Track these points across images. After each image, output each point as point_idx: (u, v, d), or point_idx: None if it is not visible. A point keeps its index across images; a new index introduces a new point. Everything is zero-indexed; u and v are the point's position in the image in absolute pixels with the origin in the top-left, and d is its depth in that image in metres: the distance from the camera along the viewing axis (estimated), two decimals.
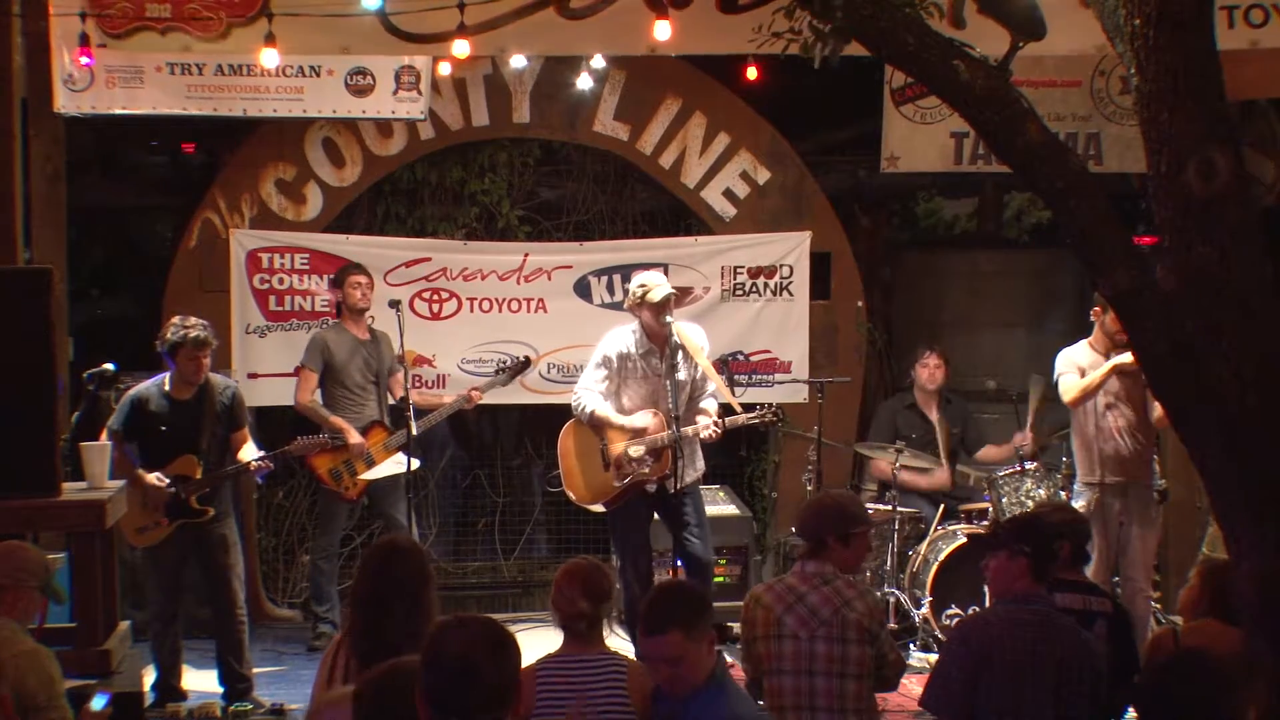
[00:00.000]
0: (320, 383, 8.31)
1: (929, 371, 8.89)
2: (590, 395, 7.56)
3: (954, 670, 4.89)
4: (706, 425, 7.50)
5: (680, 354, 7.51)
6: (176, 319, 7.22)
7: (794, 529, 7.77)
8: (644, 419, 7.48)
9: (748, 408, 7.75)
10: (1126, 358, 7.27)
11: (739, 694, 4.35)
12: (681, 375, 7.50)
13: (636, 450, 7.49)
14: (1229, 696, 3.55)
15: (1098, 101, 9.18)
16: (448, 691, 3.19)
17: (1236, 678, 3.59)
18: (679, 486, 7.38)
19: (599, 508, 7.77)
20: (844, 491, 7.93)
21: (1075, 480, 7.68)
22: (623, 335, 7.61)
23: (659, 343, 7.53)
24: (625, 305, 7.68)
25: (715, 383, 7.67)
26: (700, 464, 7.71)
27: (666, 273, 9.03)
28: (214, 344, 7.22)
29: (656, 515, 7.72)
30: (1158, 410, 7.01)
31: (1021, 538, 5.04)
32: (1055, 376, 7.66)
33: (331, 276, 8.61)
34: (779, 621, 5.08)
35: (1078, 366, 7.58)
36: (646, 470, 7.50)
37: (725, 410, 7.64)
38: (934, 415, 8.91)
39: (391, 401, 8.40)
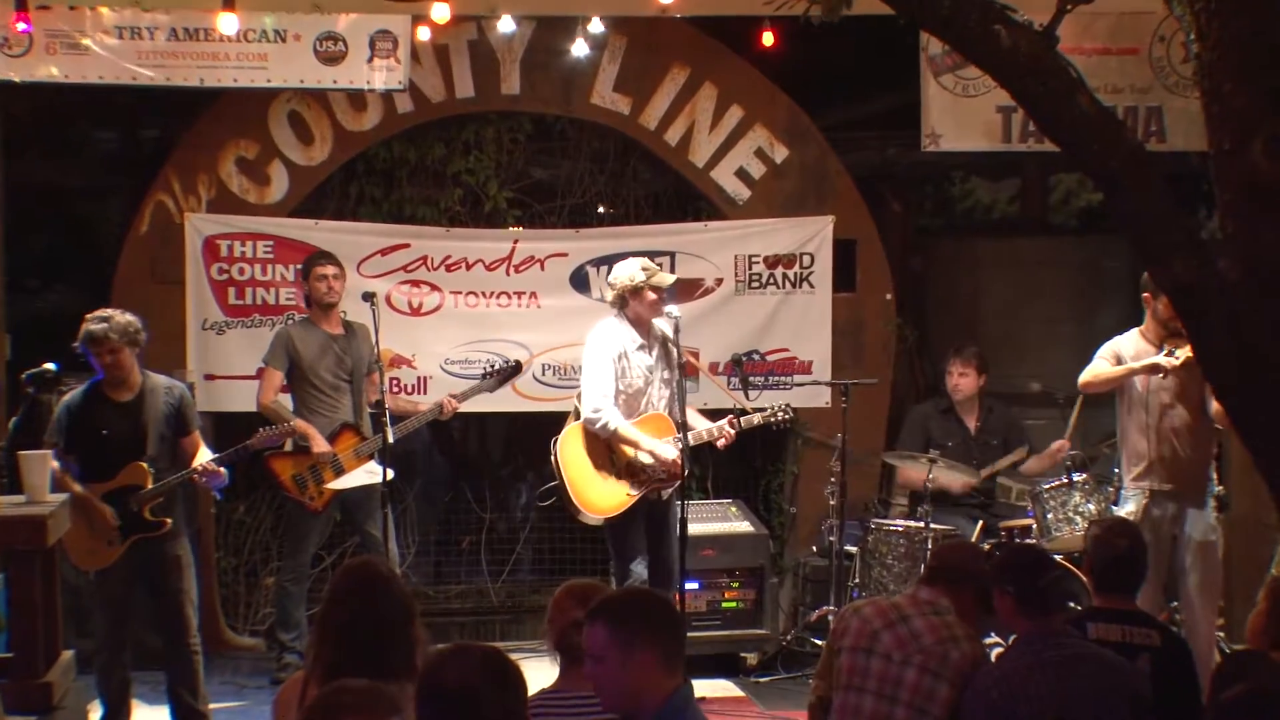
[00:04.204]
0: (289, 384, 8.30)
1: (953, 380, 8.88)
2: (612, 410, 7.62)
3: None
4: (720, 426, 7.66)
5: (669, 348, 7.66)
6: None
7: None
8: (668, 450, 7.59)
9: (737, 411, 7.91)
10: (1158, 359, 7.33)
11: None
12: (669, 373, 7.68)
13: (647, 457, 7.62)
14: None
15: (1158, 71, 9.17)
16: None
17: None
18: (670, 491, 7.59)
19: (596, 519, 7.82)
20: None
21: (1123, 484, 7.69)
22: (616, 329, 7.70)
23: (644, 337, 7.69)
24: (616, 292, 7.72)
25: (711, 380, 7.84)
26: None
27: (673, 261, 9.11)
28: (117, 339, 7.01)
29: None
30: (1216, 404, 6.99)
31: (1001, 574, 5.04)
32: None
33: (299, 267, 8.61)
34: (874, 635, 5.05)
35: (1116, 354, 7.60)
36: (663, 477, 7.65)
37: (728, 412, 7.83)
38: (973, 425, 8.91)
39: (371, 405, 8.39)
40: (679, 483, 7.51)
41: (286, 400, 8.32)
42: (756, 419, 7.88)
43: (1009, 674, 4.89)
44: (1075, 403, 8.44)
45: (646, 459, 7.60)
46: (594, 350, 7.72)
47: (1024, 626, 4.97)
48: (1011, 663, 4.93)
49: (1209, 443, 7.59)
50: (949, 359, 8.96)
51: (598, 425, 7.63)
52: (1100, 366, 7.61)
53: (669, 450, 7.59)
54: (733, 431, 7.81)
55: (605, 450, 7.70)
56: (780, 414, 7.97)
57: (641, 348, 7.68)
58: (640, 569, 7.76)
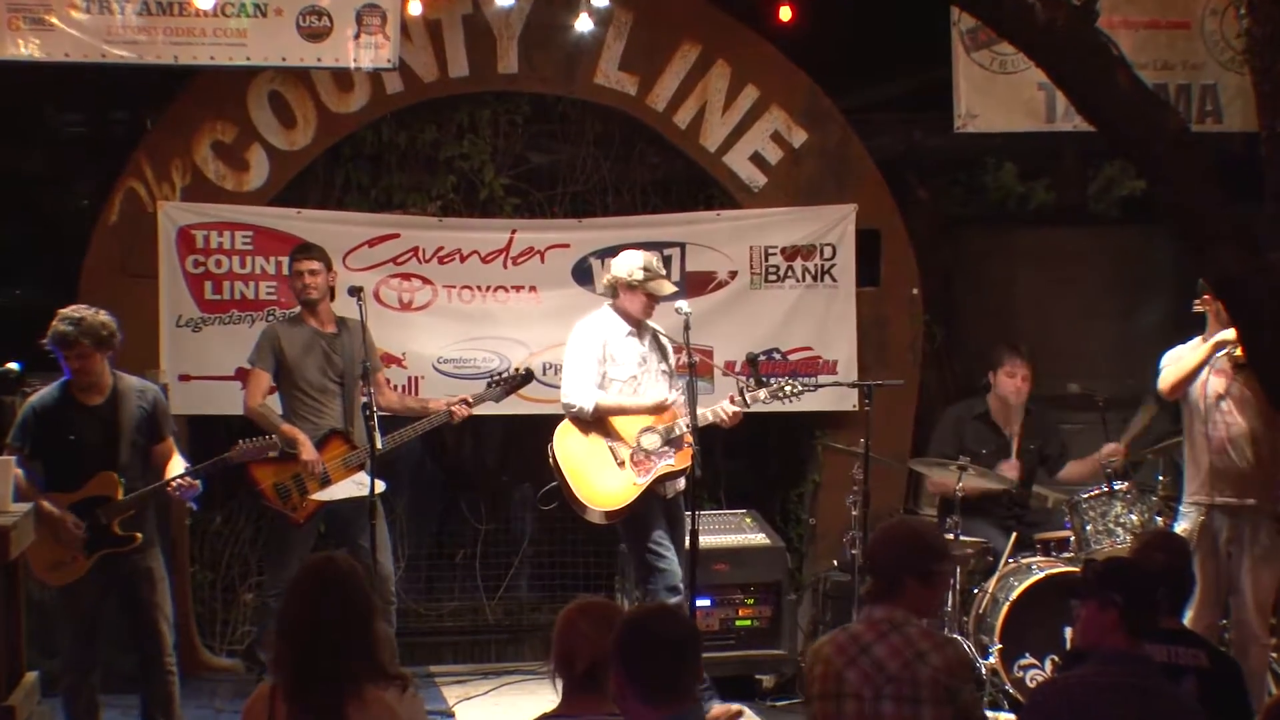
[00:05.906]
0: (276, 385, 8.26)
1: (1016, 384, 8.74)
2: (587, 391, 7.78)
3: None
4: (723, 405, 7.87)
5: (660, 340, 7.99)
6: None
7: (859, 564, 7.87)
8: (658, 393, 7.85)
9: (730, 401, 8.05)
10: (1228, 334, 7.26)
11: None
12: (665, 364, 7.99)
13: (650, 441, 7.77)
14: None
15: (1211, 47, 9.15)
16: None
17: None
18: (685, 487, 7.73)
19: (601, 518, 7.87)
20: (920, 519, 7.93)
21: (1182, 499, 7.68)
22: (600, 320, 7.92)
23: (632, 325, 7.91)
24: (612, 284, 7.93)
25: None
26: None
27: (684, 253, 9.17)
28: (89, 343, 7.04)
29: None
30: None
31: (1111, 583, 5.02)
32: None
33: (282, 259, 8.61)
34: (839, 677, 4.98)
35: (1180, 359, 7.62)
36: (671, 461, 7.75)
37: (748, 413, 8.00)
38: (1012, 429, 8.86)
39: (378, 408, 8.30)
40: (685, 471, 7.67)
41: (275, 403, 8.27)
42: (762, 394, 7.94)
43: (1074, 689, 4.88)
44: (1138, 405, 8.43)
45: (648, 441, 7.75)
46: (574, 344, 7.94)
47: (1114, 643, 4.93)
48: (1081, 678, 4.91)
49: (1275, 453, 7.57)
50: (1005, 357, 8.76)
51: (575, 410, 7.79)
52: (1174, 364, 7.64)
53: (655, 393, 7.86)
54: (735, 409, 7.91)
55: (605, 441, 7.80)
56: (788, 385, 8.02)
57: (630, 334, 7.88)
58: (673, 565, 7.80)
